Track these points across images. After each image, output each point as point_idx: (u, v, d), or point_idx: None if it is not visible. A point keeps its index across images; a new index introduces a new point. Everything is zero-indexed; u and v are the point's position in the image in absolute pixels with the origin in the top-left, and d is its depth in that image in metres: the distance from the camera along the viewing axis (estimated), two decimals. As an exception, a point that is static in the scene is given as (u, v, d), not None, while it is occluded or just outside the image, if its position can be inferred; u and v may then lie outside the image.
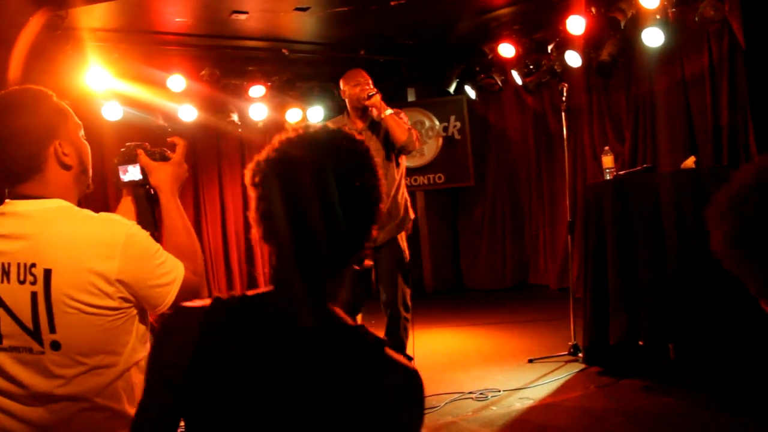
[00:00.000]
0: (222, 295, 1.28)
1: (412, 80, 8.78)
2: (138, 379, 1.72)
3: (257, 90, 7.81)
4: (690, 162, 4.67)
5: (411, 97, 8.93)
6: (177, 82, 7.25)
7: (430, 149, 8.63)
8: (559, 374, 4.72)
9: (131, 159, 1.99)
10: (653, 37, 6.18)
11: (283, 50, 7.50)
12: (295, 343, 1.22)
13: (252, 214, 1.25)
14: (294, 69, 7.94)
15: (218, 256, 8.29)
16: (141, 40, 7.02)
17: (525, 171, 8.54)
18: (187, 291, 1.73)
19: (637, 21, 6.27)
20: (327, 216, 1.20)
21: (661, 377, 4.38)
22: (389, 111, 4.55)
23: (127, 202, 2.03)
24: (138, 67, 7.09)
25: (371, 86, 4.58)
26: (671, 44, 6.33)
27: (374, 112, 4.58)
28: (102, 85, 6.81)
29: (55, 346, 1.61)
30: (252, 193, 1.25)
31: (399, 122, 4.55)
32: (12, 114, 1.69)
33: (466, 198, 9.07)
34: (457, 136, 8.63)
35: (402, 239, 4.65)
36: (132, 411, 1.66)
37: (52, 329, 1.61)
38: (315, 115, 8.27)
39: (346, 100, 4.66)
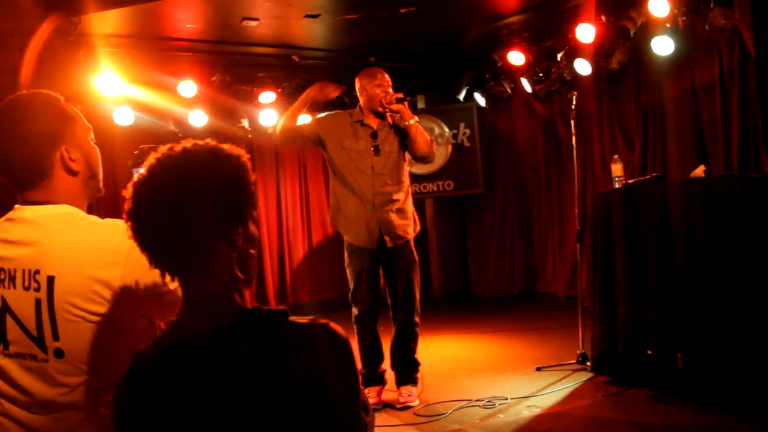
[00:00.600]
0: (136, 353, 1.33)
1: (422, 87, 8.80)
2: None
3: (267, 96, 7.85)
4: (700, 171, 4.66)
5: (421, 104, 8.94)
6: (188, 87, 7.30)
7: (439, 156, 8.57)
8: (567, 383, 4.70)
9: (144, 161, 1.98)
10: (663, 46, 6.18)
11: (293, 56, 7.55)
12: (199, 351, 1.26)
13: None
14: (304, 75, 7.97)
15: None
16: (152, 46, 7.08)
17: (534, 179, 8.54)
18: None
19: (647, 29, 6.28)
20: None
21: (670, 387, 4.35)
22: (415, 119, 4.45)
23: None
24: (149, 73, 7.15)
25: (393, 90, 4.50)
26: (681, 52, 6.32)
27: (396, 117, 4.47)
28: (113, 90, 6.86)
29: (59, 353, 1.60)
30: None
31: (424, 133, 4.47)
32: (17, 119, 1.67)
33: (475, 205, 9.07)
34: (466, 144, 8.64)
35: (412, 244, 4.64)
36: None
37: (56, 337, 1.60)
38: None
39: (362, 98, 4.57)
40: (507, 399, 4.45)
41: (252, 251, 1.38)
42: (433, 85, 8.75)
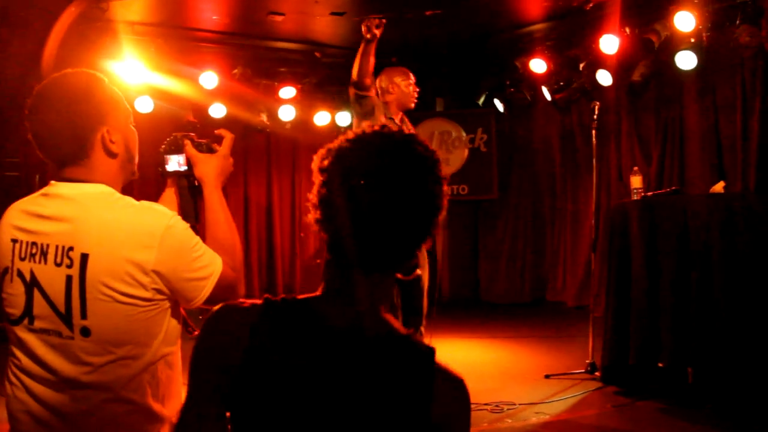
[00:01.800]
0: (272, 297, 1.26)
1: (442, 90, 8.82)
2: (165, 374, 1.70)
3: (288, 91, 7.89)
4: (719, 187, 4.66)
5: (439, 107, 8.95)
6: (209, 78, 7.34)
7: (455, 160, 8.65)
8: (575, 391, 4.70)
9: (177, 149, 1.97)
10: (686, 60, 6.17)
11: (316, 53, 7.57)
12: (348, 351, 1.22)
13: (313, 199, 1.25)
14: (325, 72, 8.00)
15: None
16: (177, 35, 7.14)
17: (549, 187, 8.54)
18: (224, 286, 1.71)
19: (671, 43, 6.27)
20: (385, 211, 1.20)
21: (679, 400, 4.36)
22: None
23: (170, 193, 2.01)
24: (172, 63, 7.19)
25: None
26: (704, 68, 6.31)
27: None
28: (136, 77, 6.90)
29: (85, 332, 1.60)
30: (316, 179, 1.25)
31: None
32: (63, 97, 1.68)
33: (489, 211, 9.06)
34: (483, 149, 8.65)
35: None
36: (156, 406, 1.66)
37: (84, 315, 1.60)
38: (343, 119, 8.33)
39: (393, 94, 4.61)
40: (515, 405, 4.45)
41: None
42: (453, 88, 8.77)
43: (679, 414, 4.19)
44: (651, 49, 6.38)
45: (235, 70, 7.50)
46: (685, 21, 5.95)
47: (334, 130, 8.43)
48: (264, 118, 8.15)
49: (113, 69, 6.71)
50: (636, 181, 4.98)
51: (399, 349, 1.24)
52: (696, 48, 6.11)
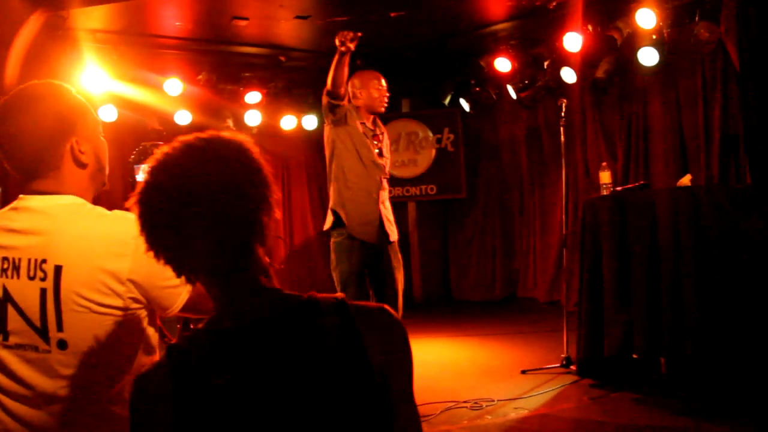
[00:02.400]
0: (171, 344, 1.25)
1: (407, 91, 8.85)
2: None
3: (253, 96, 7.86)
4: (686, 180, 4.75)
5: (405, 108, 8.99)
6: (174, 85, 7.27)
7: (423, 160, 8.69)
8: (552, 386, 4.76)
9: (146, 158, 1.91)
10: (649, 57, 6.29)
11: (281, 57, 7.55)
12: (262, 338, 1.21)
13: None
14: (290, 76, 7.98)
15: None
16: (139, 42, 7.04)
17: (517, 185, 8.62)
18: (199, 293, 1.66)
19: (633, 40, 6.38)
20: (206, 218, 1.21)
21: (653, 391, 4.43)
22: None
23: None
24: (135, 70, 7.10)
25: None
26: (666, 64, 6.44)
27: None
28: (99, 86, 6.81)
29: (62, 345, 1.58)
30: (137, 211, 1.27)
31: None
32: (30, 109, 1.65)
33: (458, 210, 9.12)
34: (450, 148, 8.70)
35: (397, 246, 4.69)
36: None
37: (60, 328, 1.57)
38: (309, 123, 8.32)
39: (361, 98, 4.62)
40: (494, 401, 4.49)
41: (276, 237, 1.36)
42: (418, 89, 8.80)
43: (653, 403, 4.26)
44: (614, 46, 6.49)
45: (200, 76, 7.46)
46: (646, 18, 6.06)
47: (301, 133, 8.42)
48: (230, 123, 8.11)
49: (76, 78, 6.62)
50: (605, 177, 5.05)
51: (308, 318, 1.23)
52: (658, 44, 6.24)
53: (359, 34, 4.28)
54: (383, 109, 4.57)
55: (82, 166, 1.71)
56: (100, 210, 1.68)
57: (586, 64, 6.86)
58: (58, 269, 1.58)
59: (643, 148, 7.00)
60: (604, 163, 5.40)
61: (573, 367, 4.98)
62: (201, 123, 7.97)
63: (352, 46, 4.28)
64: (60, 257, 1.58)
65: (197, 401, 1.17)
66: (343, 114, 4.50)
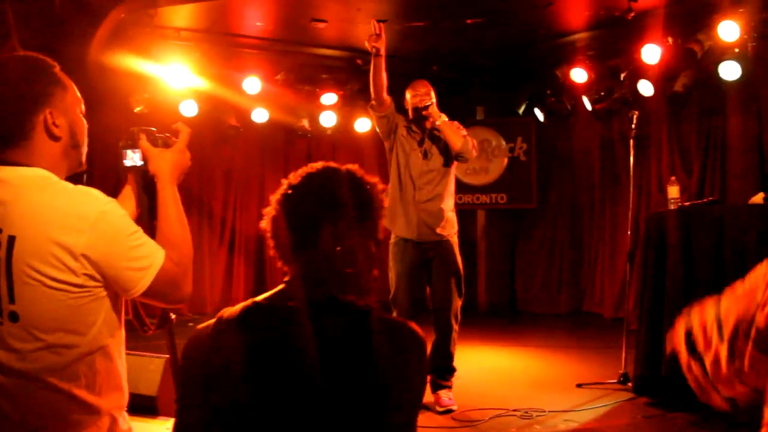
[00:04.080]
0: (225, 311, 1.45)
1: (482, 99, 8.84)
2: (103, 366, 1.66)
3: (329, 97, 7.99)
4: (758, 198, 4.59)
5: (479, 116, 8.97)
6: (253, 84, 7.48)
7: (494, 168, 8.65)
8: (606, 401, 4.67)
9: (134, 143, 1.90)
10: (730, 70, 6.10)
11: (357, 60, 7.65)
12: (299, 329, 1.38)
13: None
14: (366, 80, 8.05)
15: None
16: (222, 41, 7.28)
17: (588, 198, 8.48)
18: (165, 280, 1.67)
19: (714, 53, 6.20)
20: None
21: (711, 415, 4.28)
22: (444, 118, 4.66)
23: (128, 189, 1.96)
24: (216, 68, 7.35)
25: (430, 96, 4.68)
26: (749, 78, 6.22)
27: (430, 121, 4.68)
28: (181, 81, 7.07)
29: (14, 317, 1.56)
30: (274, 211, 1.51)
31: (454, 129, 4.67)
32: (5, 78, 1.66)
33: (527, 220, 9.04)
34: (522, 158, 8.63)
35: (455, 248, 4.71)
36: (91, 398, 1.62)
37: (11, 299, 1.56)
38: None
39: (407, 104, 4.78)
40: (544, 411, 4.44)
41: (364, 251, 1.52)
42: (493, 97, 8.78)
43: (710, 428, 4.13)
44: (694, 59, 6.32)
45: (278, 76, 7.63)
46: (729, 31, 5.88)
47: (374, 136, 8.51)
48: (305, 123, 8.27)
49: (159, 73, 6.90)
50: (673, 191, 4.93)
51: (341, 305, 1.43)
52: (740, 58, 6.04)
53: (382, 24, 4.44)
54: (424, 109, 4.65)
55: (54, 138, 1.69)
56: (65, 184, 1.66)
57: (664, 77, 6.70)
58: (11, 239, 1.56)
59: (720, 164, 6.78)
60: (673, 177, 5.26)
61: (630, 384, 4.87)
62: (277, 121, 8.18)
63: (379, 45, 4.40)
64: (14, 228, 1.57)
65: (223, 359, 1.37)
66: (387, 128, 4.77)
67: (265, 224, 1.53)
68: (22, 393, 1.57)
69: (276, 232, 1.49)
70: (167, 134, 1.93)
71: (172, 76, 6.97)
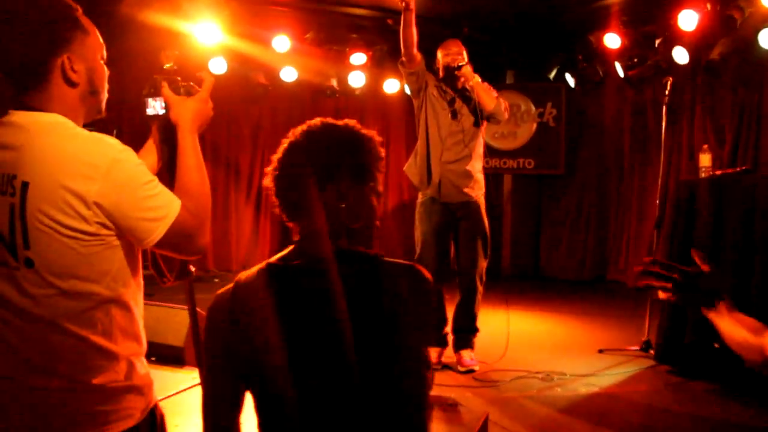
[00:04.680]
0: (242, 274, 1.53)
1: (512, 63, 8.74)
2: (119, 314, 1.65)
3: (358, 57, 7.95)
4: (791, 169, 4.53)
5: (509, 80, 8.89)
6: (282, 42, 7.46)
7: (523, 133, 8.59)
8: (628, 368, 4.69)
9: (156, 92, 1.85)
10: (770, 39, 5.96)
11: (388, 20, 7.58)
12: (321, 277, 1.47)
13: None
14: (397, 40, 8.00)
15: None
16: (252, -1, 7.25)
17: (617, 166, 8.41)
18: (179, 231, 1.64)
19: (755, 20, 6.04)
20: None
21: (733, 383, 4.29)
22: (477, 79, 4.66)
23: (151, 142, 1.93)
24: (246, 26, 7.33)
25: (463, 56, 4.67)
26: (789, 48, 6.08)
27: (462, 81, 4.69)
28: (211, 38, 7.07)
29: (29, 263, 1.56)
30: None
31: (486, 90, 4.67)
32: (25, 19, 1.61)
33: (554, 186, 9.00)
34: (551, 124, 8.57)
35: (482, 209, 4.71)
36: (107, 343, 1.63)
37: (26, 245, 1.56)
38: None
39: (439, 68, 4.76)
40: (566, 375, 4.48)
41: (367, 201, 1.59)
42: (523, 61, 8.67)
43: (731, 396, 4.14)
44: (733, 27, 6.17)
45: (308, 35, 7.60)
46: (771, -4, 5.73)
47: (402, 97, 8.47)
48: (334, 83, 8.25)
49: (190, 29, 6.90)
50: (705, 159, 4.87)
51: (351, 255, 1.53)
52: (781, 26, 5.89)
53: None
54: (456, 69, 4.62)
55: (72, 84, 1.67)
56: (80, 131, 1.63)
57: (700, 44, 6.57)
58: (24, 185, 1.55)
59: (755, 134, 6.65)
60: (705, 146, 5.20)
61: (652, 352, 4.89)
62: (306, 80, 8.17)
63: (411, 2, 4.31)
64: (28, 173, 1.56)
65: (287, 312, 1.47)
66: (417, 86, 4.76)
67: (267, 182, 1.60)
68: (42, 337, 1.58)
69: (280, 192, 1.59)
70: (191, 83, 1.88)
71: (203, 33, 6.97)
